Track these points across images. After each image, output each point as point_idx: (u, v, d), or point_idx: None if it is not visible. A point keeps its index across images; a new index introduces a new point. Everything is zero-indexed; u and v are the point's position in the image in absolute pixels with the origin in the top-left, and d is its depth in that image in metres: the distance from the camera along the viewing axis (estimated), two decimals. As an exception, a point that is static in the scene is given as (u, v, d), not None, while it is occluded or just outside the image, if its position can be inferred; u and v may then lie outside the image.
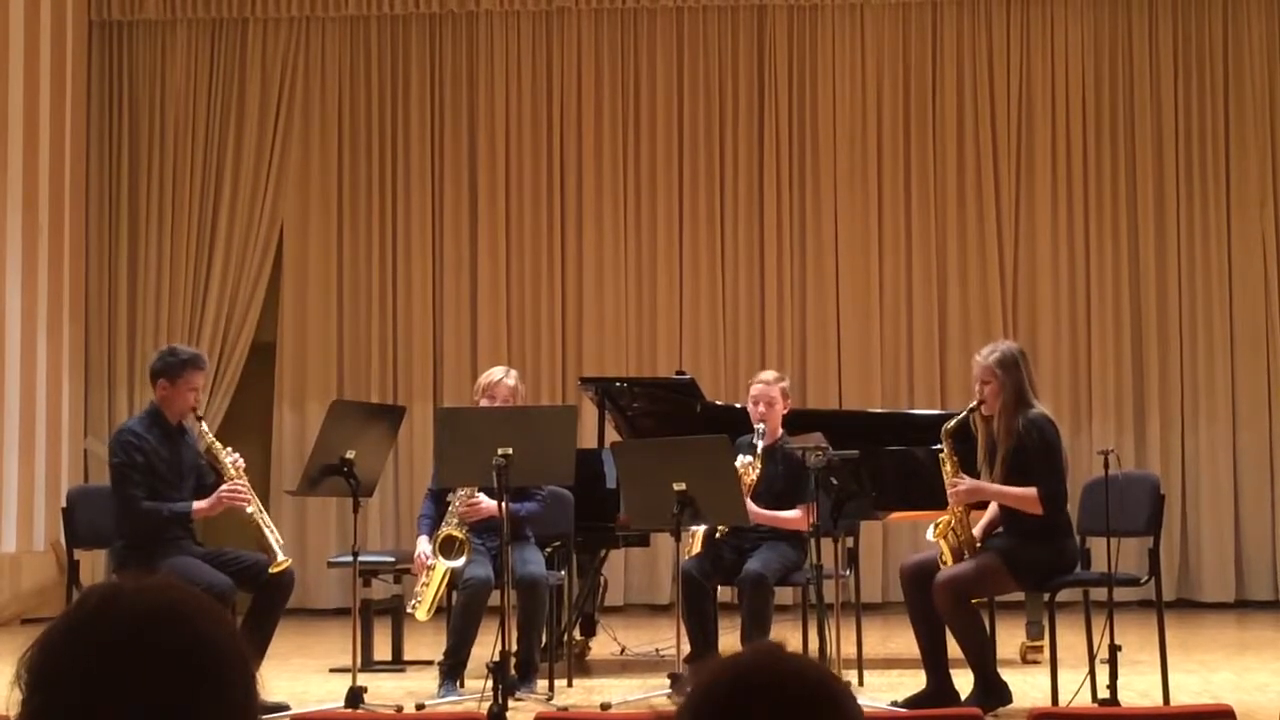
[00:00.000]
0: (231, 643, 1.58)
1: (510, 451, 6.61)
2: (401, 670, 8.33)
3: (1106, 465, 6.42)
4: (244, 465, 7.01)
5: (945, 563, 6.60)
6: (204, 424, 7.10)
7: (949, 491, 6.66)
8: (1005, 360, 6.66)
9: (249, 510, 6.89)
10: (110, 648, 1.53)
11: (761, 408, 7.50)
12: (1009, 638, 8.01)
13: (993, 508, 6.85)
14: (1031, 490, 6.54)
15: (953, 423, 6.76)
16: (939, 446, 6.76)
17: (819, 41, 12.19)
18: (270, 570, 6.80)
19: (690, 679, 1.59)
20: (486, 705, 6.48)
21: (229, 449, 6.99)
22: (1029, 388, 6.70)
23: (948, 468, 6.70)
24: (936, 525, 6.65)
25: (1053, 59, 12.13)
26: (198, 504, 6.93)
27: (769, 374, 7.78)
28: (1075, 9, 12.13)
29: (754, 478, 7.32)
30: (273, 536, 6.85)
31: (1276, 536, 11.75)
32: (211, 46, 12.26)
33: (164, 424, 7.01)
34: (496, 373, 7.64)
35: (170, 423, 7.03)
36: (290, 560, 6.86)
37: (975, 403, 6.70)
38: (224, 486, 6.90)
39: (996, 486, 6.64)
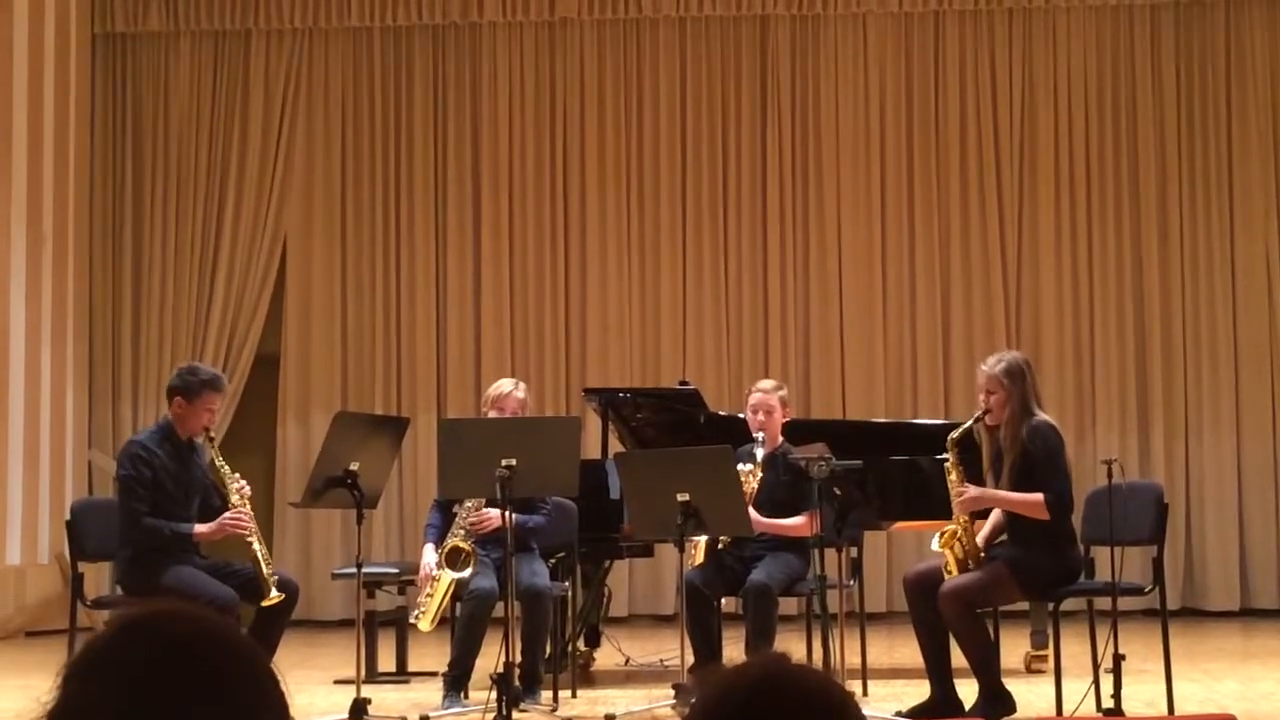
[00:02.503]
0: (271, 675, 1.59)
1: (514, 463, 6.62)
2: (406, 681, 8.33)
3: (1110, 474, 6.42)
4: (249, 493, 7.00)
5: (950, 572, 6.59)
6: (215, 446, 7.09)
7: (955, 501, 6.65)
8: (1011, 370, 6.67)
9: (249, 540, 6.88)
10: (156, 660, 1.53)
11: (760, 416, 7.51)
12: (1013, 647, 8.01)
13: (994, 516, 6.85)
14: (1037, 495, 6.55)
15: (958, 431, 6.76)
16: (944, 456, 6.76)
17: (821, 52, 12.20)
18: (262, 604, 6.79)
19: (696, 688, 1.60)
20: (490, 717, 6.49)
21: (236, 475, 6.98)
22: (1034, 397, 6.71)
23: (953, 476, 6.69)
24: (942, 535, 6.65)
25: (1055, 69, 12.14)
26: (199, 527, 6.92)
27: (767, 383, 7.80)
28: (1078, 19, 12.15)
29: (754, 486, 7.33)
30: (268, 569, 6.83)
31: (1281, 545, 11.76)
32: (215, 58, 12.28)
33: (175, 440, 7.00)
34: (505, 385, 7.65)
35: (181, 439, 7.03)
36: (282, 597, 6.82)
37: (981, 412, 6.71)
38: (227, 514, 6.89)
39: (1002, 493, 6.64)
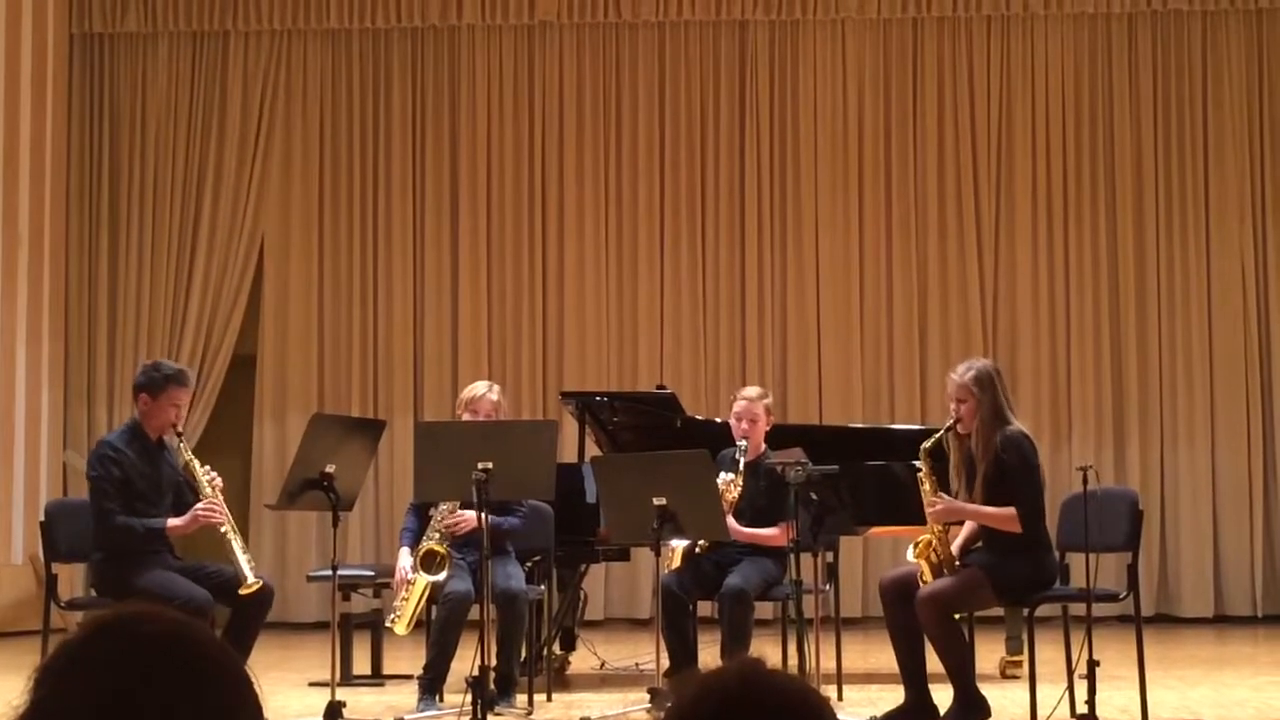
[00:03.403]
0: (246, 677, 1.59)
1: (490, 466, 6.61)
2: (380, 685, 8.31)
3: (1085, 481, 6.43)
4: (221, 484, 6.98)
5: (925, 582, 6.60)
6: (183, 441, 7.07)
7: (927, 511, 6.66)
8: (981, 378, 6.66)
9: (223, 530, 6.86)
10: (129, 663, 1.53)
11: (744, 424, 7.51)
12: (988, 653, 8.02)
13: (969, 525, 6.85)
14: (1010, 510, 6.55)
15: (930, 441, 6.75)
16: (917, 464, 6.76)
17: (800, 57, 12.22)
18: (240, 592, 6.77)
19: (671, 694, 1.60)
20: (465, 720, 6.48)
21: (206, 467, 6.96)
22: (1006, 404, 6.71)
23: (926, 487, 6.69)
24: (916, 545, 6.65)
25: (1033, 77, 12.17)
26: (173, 521, 6.89)
27: (752, 390, 7.79)
28: (1055, 27, 12.18)
29: (736, 495, 7.33)
30: (244, 558, 6.81)
31: (1255, 551, 11.79)
32: (192, 59, 12.26)
33: (144, 439, 6.98)
34: (479, 388, 7.65)
35: (150, 438, 7.00)
36: (260, 583, 6.79)
37: (952, 420, 6.71)
38: (199, 505, 6.86)
39: (974, 506, 6.64)
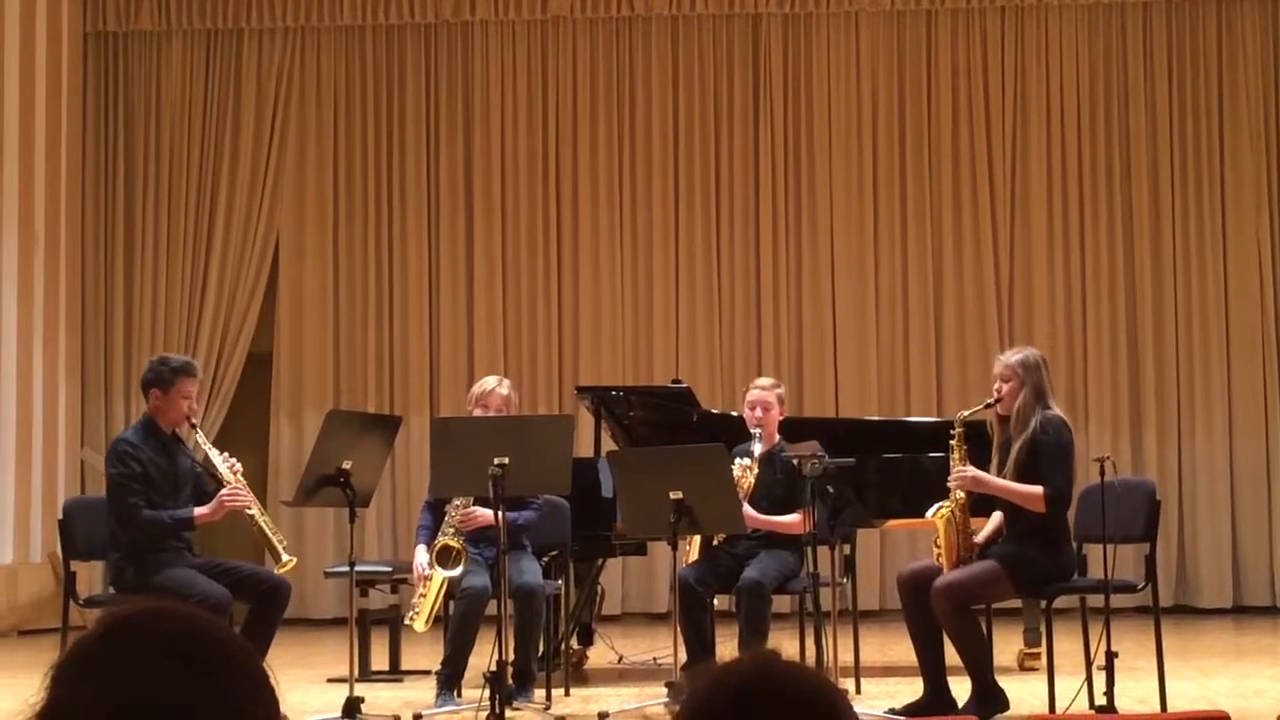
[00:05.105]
0: (263, 674, 1.59)
1: (506, 461, 6.61)
2: (399, 680, 8.33)
3: (1103, 472, 6.43)
4: (240, 469, 7.00)
5: (938, 545, 6.60)
6: (200, 431, 7.09)
7: (952, 474, 6.66)
8: (1027, 361, 6.76)
9: (250, 512, 6.88)
10: (140, 660, 1.53)
11: (758, 413, 7.52)
12: (1006, 645, 8.01)
13: (995, 520, 6.83)
14: (1036, 489, 6.56)
15: (969, 412, 6.85)
16: (952, 432, 6.77)
17: (814, 50, 12.21)
18: (277, 570, 6.82)
19: (686, 686, 1.60)
20: (484, 715, 6.49)
21: (224, 454, 6.98)
22: (1048, 391, 6.76)
23: (956, 455, 6.72)
24: (940, 508, 6.66)
25: (1047, 67, 12.15)
26: (199, 510, 6.90)
27: (765, 380, 7.81)
28: (1070, 17, 12.16)
29: (751, 481, 7.34)
30: (275, 537, 6.86)
31: (1274, 541, 11.76)
32: (207, 57, 12.27)
33: (159, 433, 6.99)
34: (489, 382, 7.65)
35: (165, 432, 7.01)
36: (295, 560, 6.88)
37: (993, 399, 6.75)
38: (224, 491, 6.88)
39: (1001, 481, 6.64)
